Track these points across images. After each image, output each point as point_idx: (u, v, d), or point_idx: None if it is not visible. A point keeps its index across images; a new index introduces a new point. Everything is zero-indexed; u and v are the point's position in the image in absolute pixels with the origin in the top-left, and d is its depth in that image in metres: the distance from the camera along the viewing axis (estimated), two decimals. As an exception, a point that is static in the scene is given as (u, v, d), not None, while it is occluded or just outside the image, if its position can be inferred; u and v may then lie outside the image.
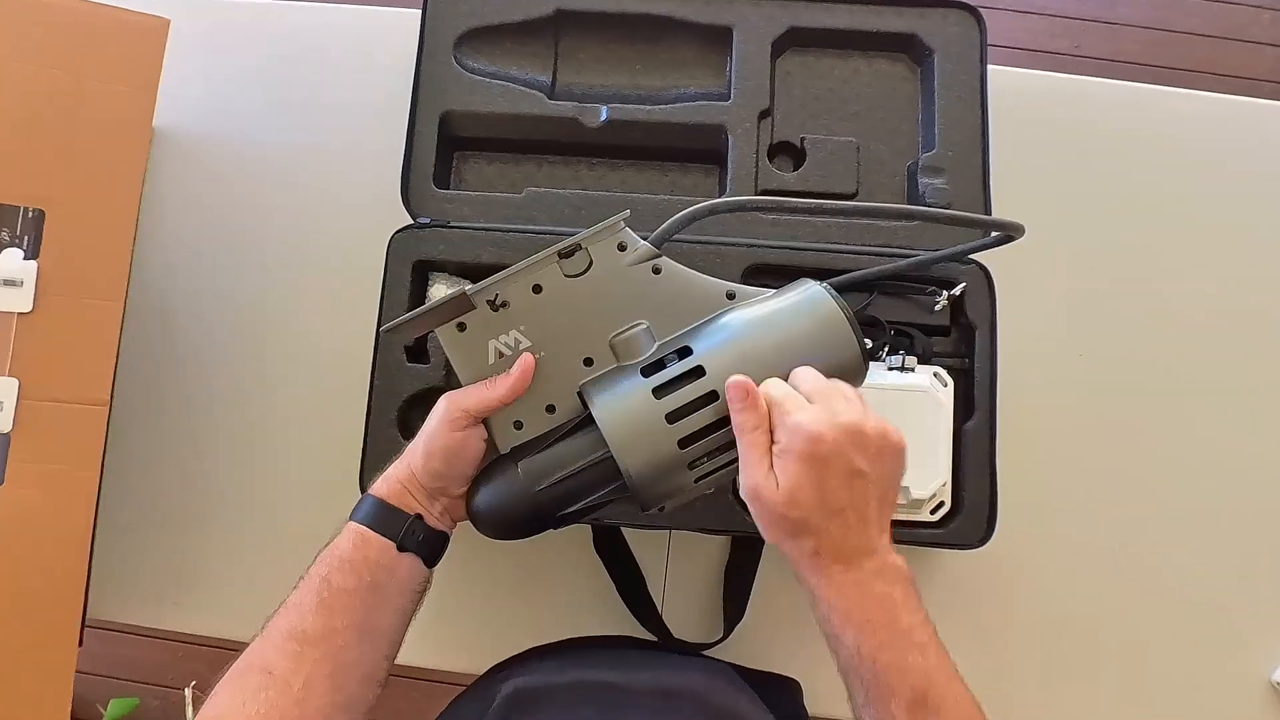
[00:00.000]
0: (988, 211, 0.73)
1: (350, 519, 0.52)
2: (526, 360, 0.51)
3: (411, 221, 0.73)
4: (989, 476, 0.68)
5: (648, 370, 0.50)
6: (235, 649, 0.77)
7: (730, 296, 0.53)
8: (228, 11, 0.88)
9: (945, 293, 0.70)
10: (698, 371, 0.48)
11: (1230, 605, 0.76)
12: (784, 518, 0.44)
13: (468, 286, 0.51)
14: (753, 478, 0.45)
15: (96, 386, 0.65)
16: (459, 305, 0.52)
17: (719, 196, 0.76)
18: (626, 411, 0.49)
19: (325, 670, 0.47)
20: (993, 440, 0.69)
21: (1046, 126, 0.84)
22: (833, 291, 0.51)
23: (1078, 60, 1.64)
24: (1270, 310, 0.81)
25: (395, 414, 0.70)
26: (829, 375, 0.47)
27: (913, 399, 0.67)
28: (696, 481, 0.49)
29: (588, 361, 0.52)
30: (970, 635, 0.75)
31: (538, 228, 0.73)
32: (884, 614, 0.45)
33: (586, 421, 0.50)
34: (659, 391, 0.48)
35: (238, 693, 0.46)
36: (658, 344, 0.52)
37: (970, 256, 0.72)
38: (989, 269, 0.71)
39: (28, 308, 0.64)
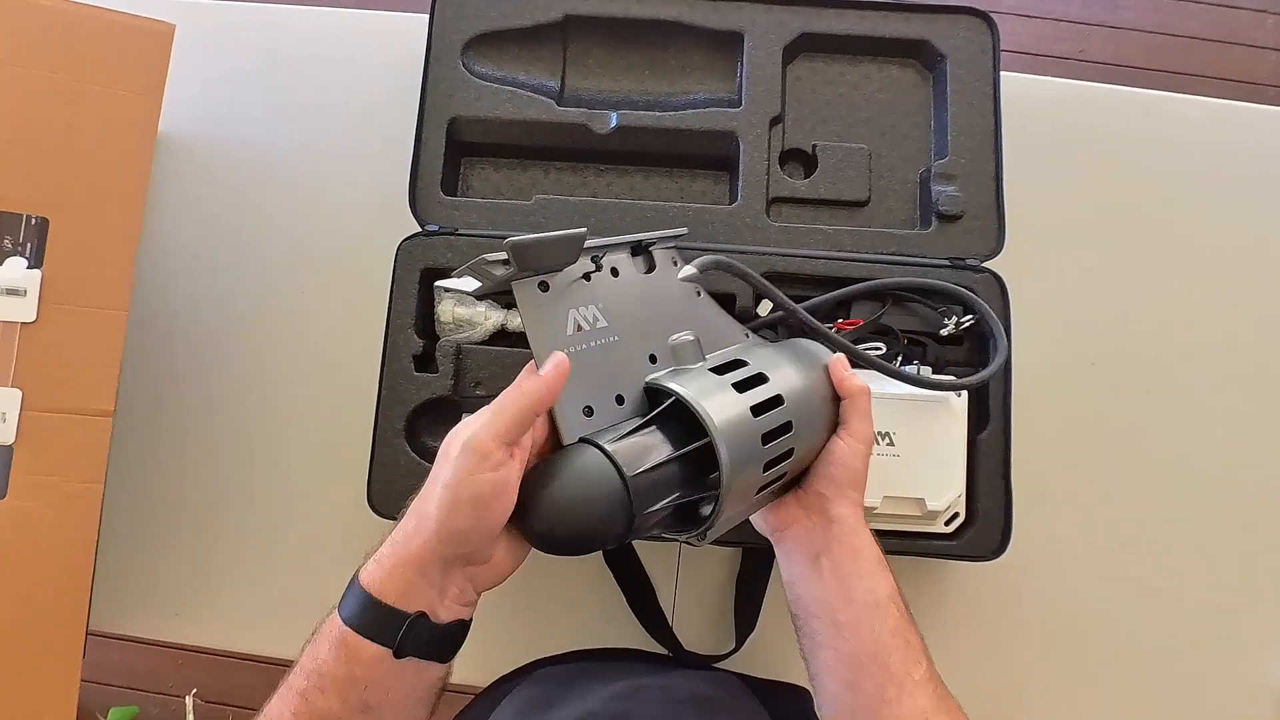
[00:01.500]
0: (1001, 219, 0.73)
1: (336, 611, 0.42)
2: (560, 359, 0.44)
3: (419, 229, 0.73)
4: (1004, 487, 0.68)
5: (719, 370, 0.50)
6: (240, 658, 0.77)
7: (746, 336, 0.58)
8: (234, 16, 0.87)
9: (954, 318, 0.69)
10: (762, 378, 0.50)
11: (1242, 614, 0.75)
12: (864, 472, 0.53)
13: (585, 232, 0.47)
14: (869, 428, 0.53)
15: (101, 397, 0.64)
16: (578, 242, 0.46)
17: (729, 203, 0.75)
18: (720, 403, 0.47)
19: None
20: (1007, 450, 0.68)
21: (1056, 133, 0.84)
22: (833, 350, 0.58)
23: (1082, 65, 1.64)
24: (1282, 317, 0.80)
25: (403, 423, 0.69)
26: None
27: (927, 409, 0.66)
28: (759, 491, 0.49)
29: (652, 358, 0.51)
30: (984, 647, 0.75)
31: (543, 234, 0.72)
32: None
33: (669, 414, 0.47)
34: (739, 387, 0.49)
35: None
36: (707, 356, 0.53)
37: (984, 266, 0.72)
38: (1003, 277, 0.71)
39: (31, 317, 0.63)
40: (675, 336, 0.52)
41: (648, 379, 0.49)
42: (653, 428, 0.46)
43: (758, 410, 0.48)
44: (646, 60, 0.79)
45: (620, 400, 0.48)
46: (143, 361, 0.79)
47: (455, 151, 0.76)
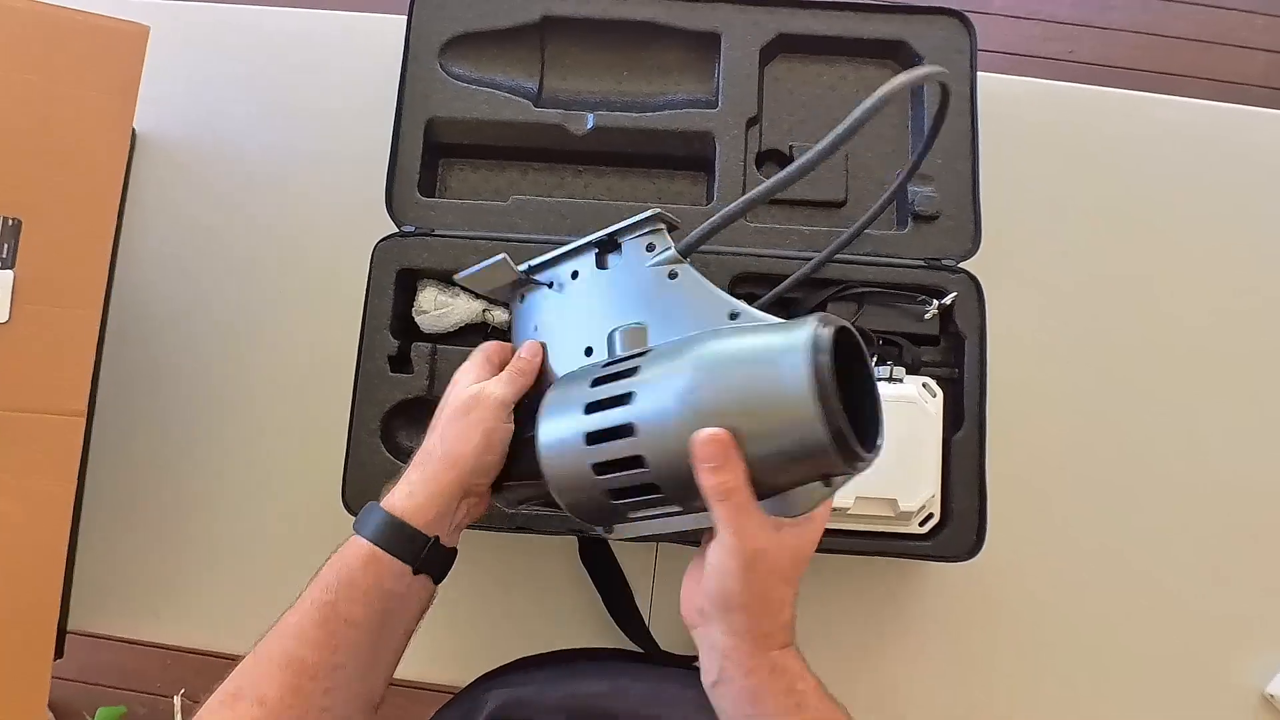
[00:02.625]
0: (977, 220, 0.73)
1: (360, 534, 0.48)
2: (534, 346, 0.56)
3: (396, 229, 0.73)
4: (978, 488, 0.68)
5: (599, 381, 0.46)
6: (221, 658, 0.77)
7: (733, 316, 0.48)
8: (213, 16, 0.87)
9: (935, 302, 0.70)
10: (624, 399, 0.44)
11: (1223, 616, 0.75)
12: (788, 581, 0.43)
13: (522, 266, 0.58)
14: (739, 540, 0.40)
15: (73, 397, 0.64)
16: (504, 273, 0.57)
17: (707, 205, 0.75)
18: (558, 426, 0.47)
19: (322, 704, 0.45)
20: (982, 451, 0.68)
21: (1038, 133, 0.84)
22: (823, 346, 0.39)
23: (1071, 65, 1.64)
24: (1265, 318, 0.80)
25: (378, 423, 0.69)
26: (781, 456, 0.40)
27: (901, 410, 0.66)
28: (630, 518, 0.48)
29: (587, 351, 0.53)
30: (959, 649, 0.75)
31: (523, 235, 0.72)
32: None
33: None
34: (590, 407, 0.45)
35: None
36: (647, 348, 0.48)
37: (959, 266, 0.72)
38: (978, 278, 0.71)
39: (4, 318, 0.63)
40: (616, 328, 0.52)
41: (558, 378, 0.53)
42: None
43: (594, 437, 0.44)
44: (624, 61, 0.79)
45: None
46: (121, 362, 0.79)
47: (433, 152, 0.76)
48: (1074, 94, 0.86)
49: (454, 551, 0.52)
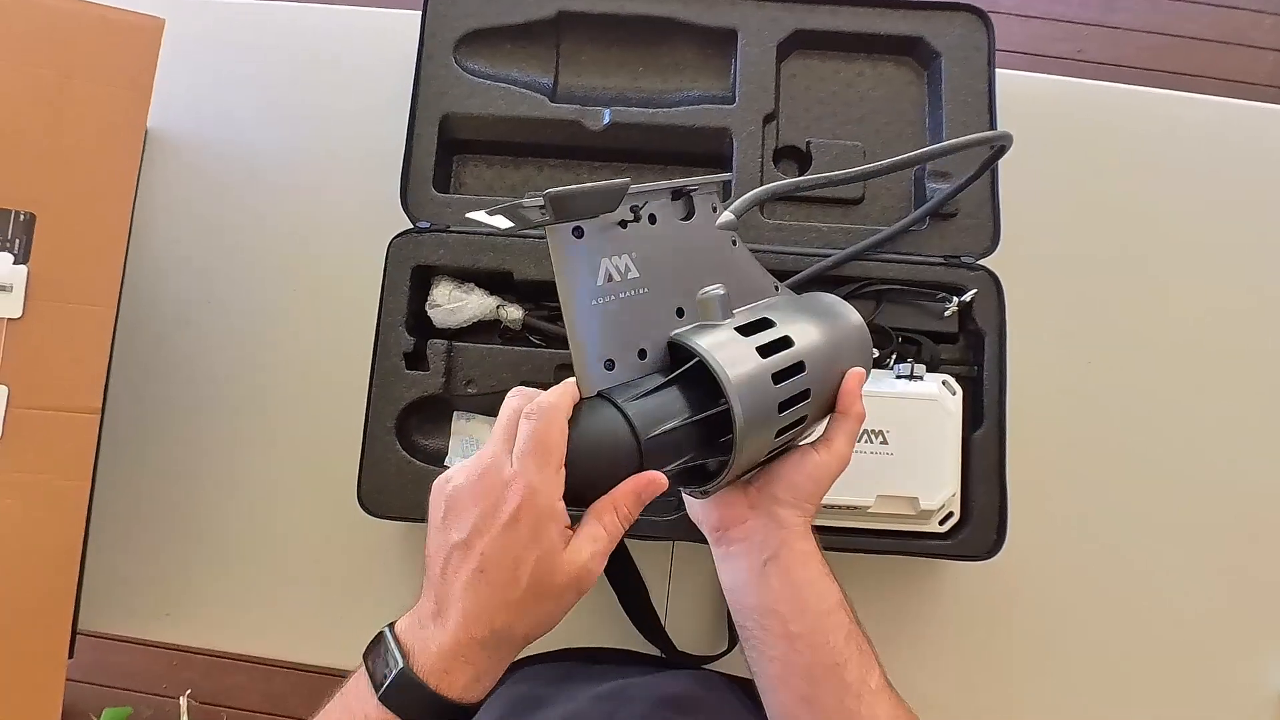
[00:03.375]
0: (996, 217, 0.72)
1: (383, 700, 0.40)
2: (658, 481, 0.43)
3: (410, 226, 0.72)
4: (998, 486, 0.67)
5: (744, 330, 0.48)
6: (230, 659, 0.76)
7: (776, 289, 0.55)
8: (226, 12, 0.87)
9: (955, 299, 0.69)
10: (787, 341, 0.49)
11: (1243, 617, 0.75)
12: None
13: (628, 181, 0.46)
14: (849, 450, 0.51)
15: (88, 394, 0.63)
16: (618, 193, 0.45)
17: (724, 202, 0.74)
18: (743, 369, 0.45)
19: None
20: (1002, 449, 0.68)
21: (1052, 131, 0.83)
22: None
23: (1080, 65, 1.63)
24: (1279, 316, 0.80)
25: (393, 421, 0.69)
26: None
27: (921, 407, 0.65)
28: (766, 455, 0.49)
29: (679, 312, 0.48)
30: (978, 648, 0.74)
31: (539, 233, 0.72)
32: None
33: (689, 374, 0.46)
34: (763, 351, 0.47)
35: None
36: (736, 311, 0.50)
37: (979, 264, 0.71)
38: (998, 275, 0.70)
39: (17, 313, 0.62)
40: (705, 290, 0.50)
41: (672, 334, 0.47)
42: (673, 388, 0.46)
43: (779, 377, 0.47)
44: (640, 57, 0.78)
45: (643, 354, 0.47)
46: (133, 359, 0.79)
47: (447, 149, 0.76)
48: (1091, 91, 0.86)
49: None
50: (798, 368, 0.48)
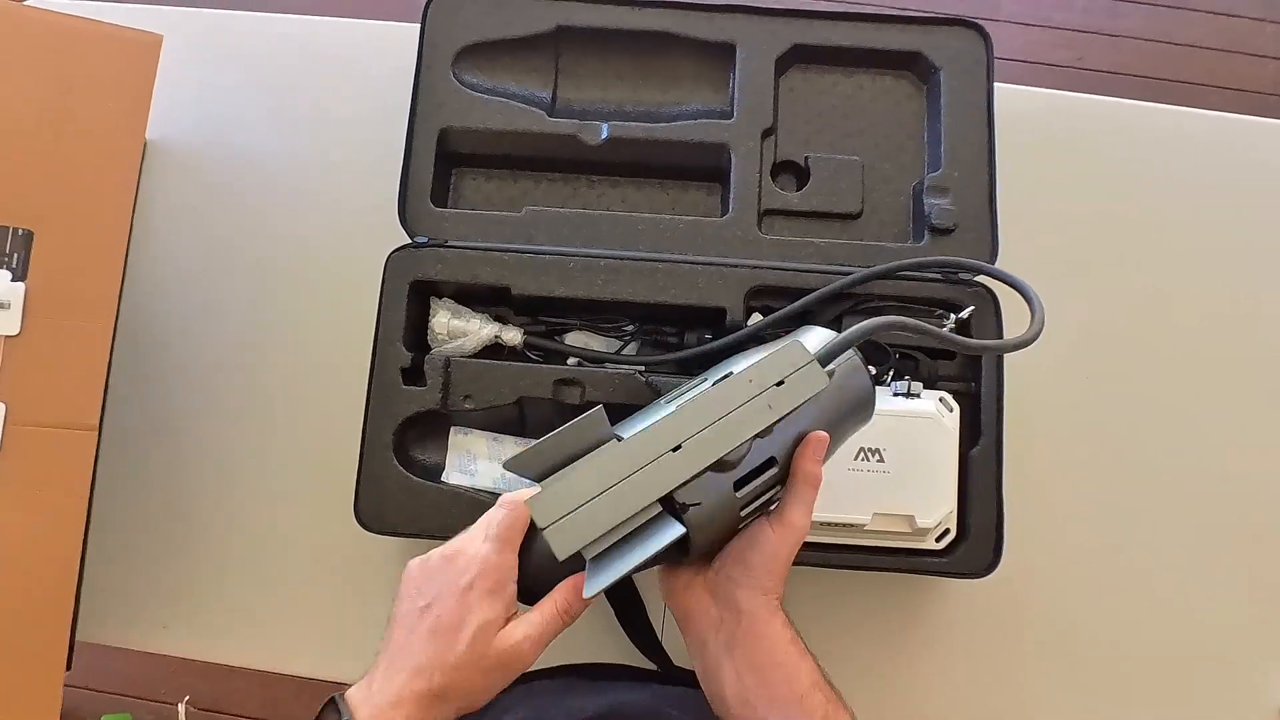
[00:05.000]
0: (994, 232, 0.72)
1: None
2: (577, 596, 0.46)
3: (408, 240, 0.72)
4: (996, 503, 0.67)
5: (739, 484, 0.47)
6: (229, 667, 0.76)
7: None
8: (225, 24, 0.87)
9: (952, 315, 0.69)
10: (776, 477, 0.49)
11: (1244, 631, 0.75)
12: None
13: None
14: (806, 520, 0.48)
15: (85, 411, 0.63)
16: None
17: (721, 215, 0.74)
18: (713, 517, 0.46)
19: None
20: (999, 466, 0.68)
21: (1051, 145, 0.83)
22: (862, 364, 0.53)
23: (1080, 73, 1.63)
24: (1280, 331, 0.80)
25: (391, 436, 0.68)
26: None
27: (918, 425, 0.65)
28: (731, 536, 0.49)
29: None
30: (976, 665, 0.74)
31: (536, 247, 0.72)
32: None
33: (663, 520, 0.45)
34: (744, 498, 0.47)
35: None
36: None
37: (976, 280, 0.71)
38: (995, 292, 0.70)
39: (15, 330, 0.62)
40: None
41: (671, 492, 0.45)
42: (646, 532, 0.45)
43: (746, 504, 0.48)
44: (638, 71, 0.78)
45: None
46: (132, 372, 0.79)
47: (446, 162, 0.76)
48: (1089, 105, 0.86)
49: None
50: (769, 464, 0.48)
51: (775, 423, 0.45)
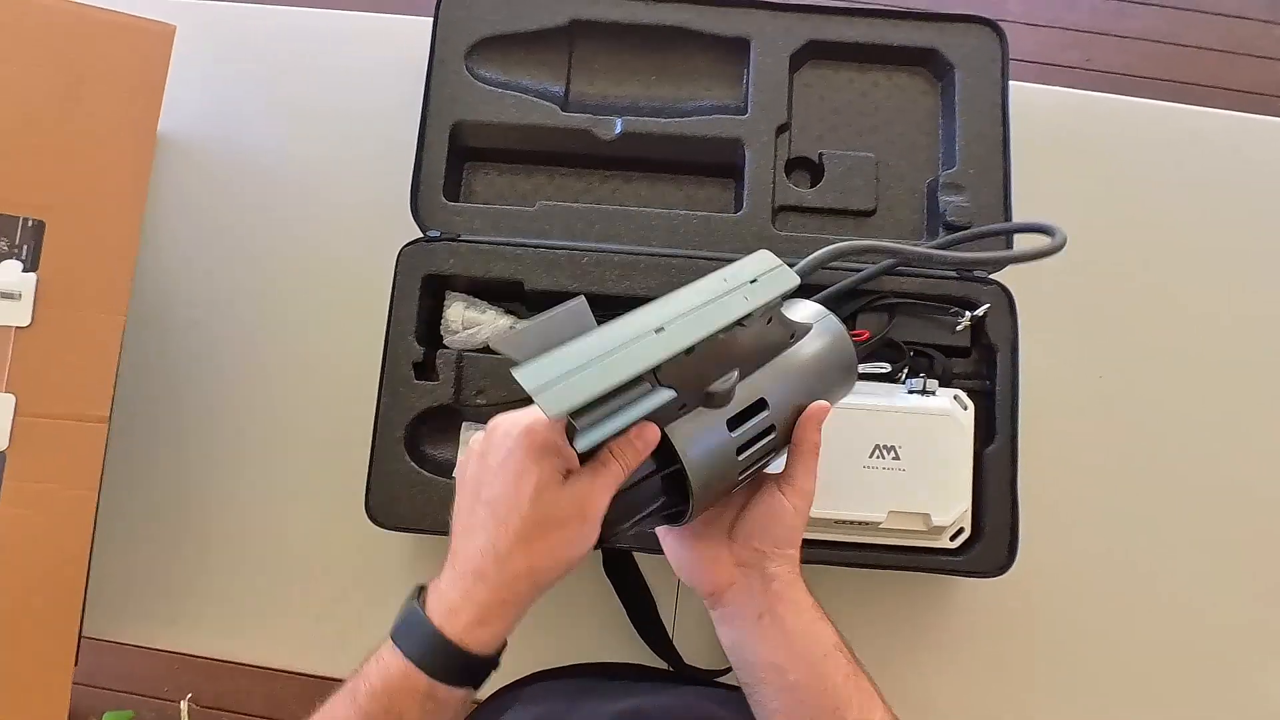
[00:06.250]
0: (1009, 233, 0.72)
1: (403, 650, 0.42)
2: (650, 431, 0.44)
3: (421, 234, 0.72)
4: (1010, 502, 0.67)
5: (732, 423, 0.47)
6: (232, 664, 0.76)
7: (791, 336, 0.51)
8: (237, 17, 0.86)
9: (968, 313, 0.69)
10: (769, 428, 0.49)
11: (1259, 633, 0.74)
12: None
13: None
14: (813, 483, 0.50)
15: (96, 403, 0.63)
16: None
17: (735, 211, 0.74)
18: (712, 461, 0.47)
19: None
20: (1014, 464, 0.67)
21: (1064, 143, 0.83)
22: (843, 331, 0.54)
23: (1089, 74, 1.63)
24: (1294, 330, 0.79)
25: (403, 431, 0.68)
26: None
27: (933, 422, 0.65)
28: (737, 485, 0.49)
29: (681, 406, 0.46)
30: (990, 665, 0.74)
31: (549, 242, 0.71)
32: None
33: (669, 465, 0.46)
34: (739, 440, 0.47)
35: None
36: (740, 386, 0.48)
37: (991, 277, 0.71)
38: (1010, 290, 0.70)
39: (26, 321, 0.62)
40: (716, 385, 0.46)
41: (668, 428, 0.46)
42: (652, 478, 0.47)
43: (742, 449, 0.47)
44: (652, 66, 0.78)
45: None
46: (140, 365, 0.78)
47: (458, 156, 0.76)
48: (1103, 103, 0.86)
49: (499, 659, 0.45)
50: (768, 432, 0.49)
51: (753, 313, 0.45)
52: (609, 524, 0.44)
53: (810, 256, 0.56)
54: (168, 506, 0.77)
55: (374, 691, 0.42)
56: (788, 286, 0.47)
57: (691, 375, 0.44)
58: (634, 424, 0.41)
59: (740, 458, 0.48)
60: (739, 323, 0.44)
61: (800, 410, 0.50)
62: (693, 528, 0.51)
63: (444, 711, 0.42)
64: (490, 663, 0.43)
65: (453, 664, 0.41)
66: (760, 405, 0.49)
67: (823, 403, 0.51)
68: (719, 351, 0.45)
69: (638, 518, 0.47)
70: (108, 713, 1.35)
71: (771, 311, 0.48)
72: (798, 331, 0.52)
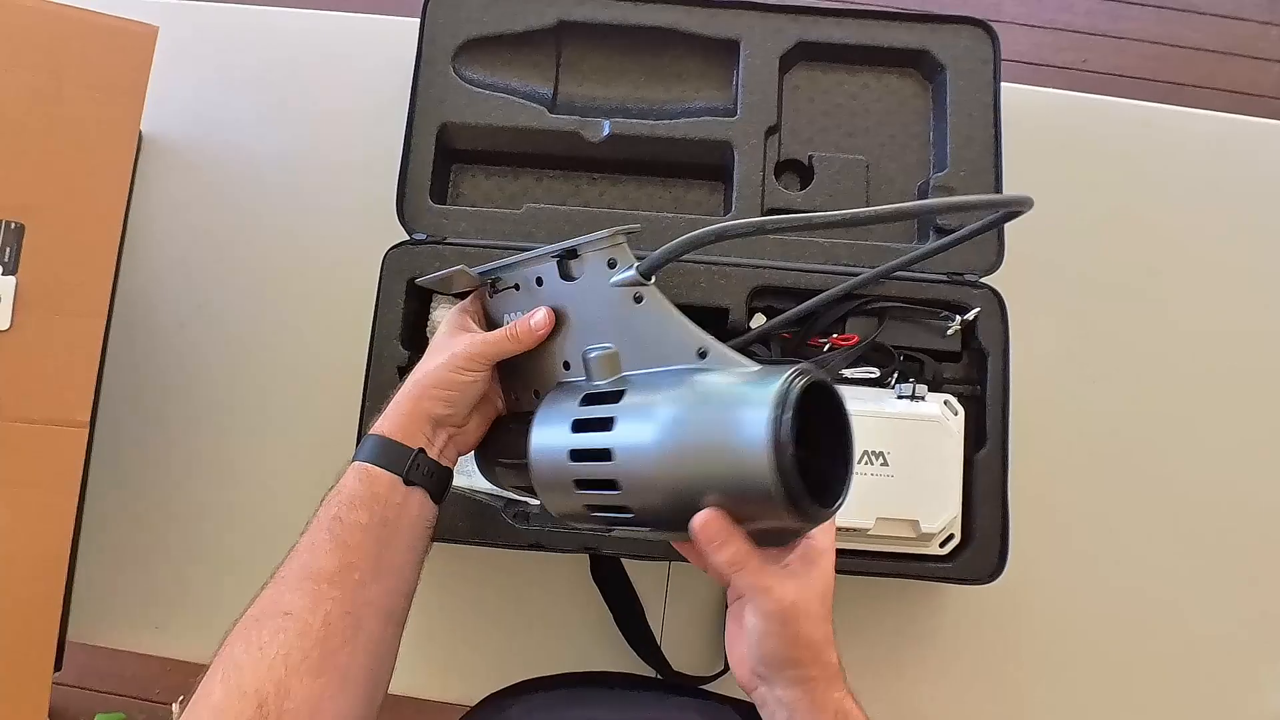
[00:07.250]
0: (1000, 234, 0.71)
1: (354, 459, 0.51)
2: (549, 314, 0.52)
3: (407, 237, 0.71)
4: (1001, 508, 0.66)
5: (589, 399, 0.48)
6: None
7: (701, 355, 0.45)
8: (222, 17, 0.86)
9: (958, 317, 0.68)
10: (606, 424, 0.45)
11: (1247, 639, 0.74)
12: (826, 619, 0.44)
13: (482, 267, 0.58)
14: (769, 600, 0.42)
15: (76, 408, 0.62)
16: (463, 281, 0.58)
17: (724, 215, 0.74)
18: (546, 438, 0.49)
19: (344, 608, 0.45)
20: (1005, 470, 0.67)
21: (1057, 145, 0.82)
22: (790, 402, 0.38)
23: (1084, 75, 1.62)
24: (1285, 334, 0.79)
25: (387, 436, 0.67)
26: (749, 508, 0.40)
27: (923, 428, 0.64)
28: (595, 529, 0.48)
29: (566, 365, 0.53)
30: (980, 672, 0.73)
31: (536, 244, 0.71)
32: None
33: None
34: (576, 425, 0.47)
35: (254, 638, 0.44)
36: (620, 375, 0.49)
37: (982, 281, 0.70)
38: (1001, 293, 0.69)
39: (5, 325, 0.61)
40: (591, 349, 0.50)
41: (543, 388, 0.53)
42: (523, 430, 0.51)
43: (578, 455, 0.46)
44: (641, 67, 0.77)
45: (537, 395, 0.53)
46: (124, 368, 0.78)
47: (445, 158, 0.75)
48: (1096, 105, 0.85)
49: (447, 471, 0.53)
50: (602, 454, 0.44)
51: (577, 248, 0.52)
52: (484, 446, 0.56)
53: (662, 248, 0.49)
54: (155, 511, 0.77)
55: (334, 500, 0.50)
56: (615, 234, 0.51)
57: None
58: (510, 264, 0.55)
59: (581, 493, 0.46)
60: (572, 251, 0.52)
61: (690, 499, 0.41)
62: (734, 612, 0.45)
63: (388, 507, 0.49)
64: (408, 452, 0.50)
65: (379, 449, 0.50)
66: (604, 424, 0.45)
67: (705, 515, 0.40)
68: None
69: (507, 462, 0.55)
70: (98, 715, 1.34)
71: (629, 284, 0.49)
72: (709, 352, 0.45)
